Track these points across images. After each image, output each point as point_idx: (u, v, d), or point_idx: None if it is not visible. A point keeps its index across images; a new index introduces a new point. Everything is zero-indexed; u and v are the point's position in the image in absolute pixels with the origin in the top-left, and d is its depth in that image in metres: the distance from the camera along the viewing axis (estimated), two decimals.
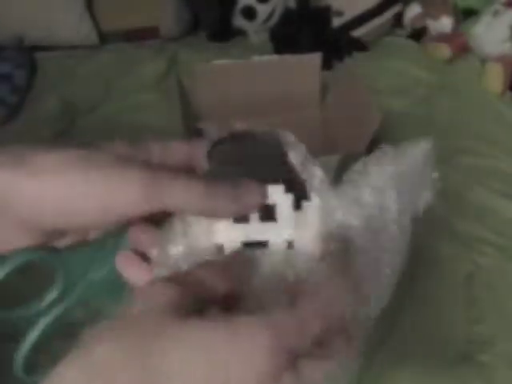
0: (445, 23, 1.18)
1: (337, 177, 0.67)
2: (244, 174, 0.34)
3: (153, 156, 0.34)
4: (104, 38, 1.18)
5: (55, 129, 1.00)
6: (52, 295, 0.33)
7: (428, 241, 0.84)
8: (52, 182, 0.29)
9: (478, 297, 0.77)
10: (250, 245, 0.33)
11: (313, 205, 0.35)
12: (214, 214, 0.32)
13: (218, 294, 0.30)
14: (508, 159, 0.96)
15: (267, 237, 0.34)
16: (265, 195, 0.34)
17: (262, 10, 1.17)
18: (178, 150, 0.35)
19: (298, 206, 0.35)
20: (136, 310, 0.28)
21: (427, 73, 1.13)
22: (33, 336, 0.33)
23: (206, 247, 0.33)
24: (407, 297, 0.77)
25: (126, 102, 1.06)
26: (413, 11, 1.21)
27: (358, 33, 1.17)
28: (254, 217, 0.34)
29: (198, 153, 0.36)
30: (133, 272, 0.34)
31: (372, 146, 0.66)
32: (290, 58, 0.81)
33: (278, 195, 0.34)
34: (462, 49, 1.15)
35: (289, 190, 0.34)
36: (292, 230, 0.34)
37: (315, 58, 0.79)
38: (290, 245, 0.34)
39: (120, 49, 1.18)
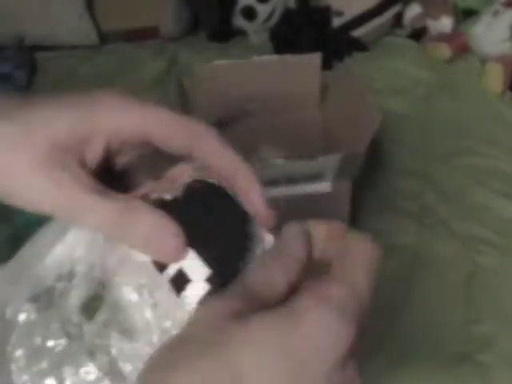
0: (445, 23, 1.18)
1: (337, 177, 0.67)
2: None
3: (91, 153, 0.31)
4: (104, 38, 1.18)
5: None
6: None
7: (428, 241, 0.84)
8: None
9: (477, 297, 0.77)
10: None
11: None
12: (126, 241, 0.30)
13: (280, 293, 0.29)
14: (508, 159, 0.96)
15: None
16: (178, 243, 0.29)
17: (262, 10, 1.17)
18: (132, 137, 0.32)
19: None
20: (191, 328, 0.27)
21: (427, 73, 1.13)
22: None
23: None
24: (407, 297, 0.77)
25: None
26: (413, 11, 1.21)
27: (357, 33, 1.17)
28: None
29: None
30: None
31: (372, 146, 0.66)
32: (290, 58, 0.81)
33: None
34: (462, 49, 1.15)
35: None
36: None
37: (315, 58, 0.79)
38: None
39: (120, 49, 1.18)
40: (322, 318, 0.26)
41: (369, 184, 0.90)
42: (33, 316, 0.30)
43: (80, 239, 0.31)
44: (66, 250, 0.31)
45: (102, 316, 0.30)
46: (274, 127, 0.81)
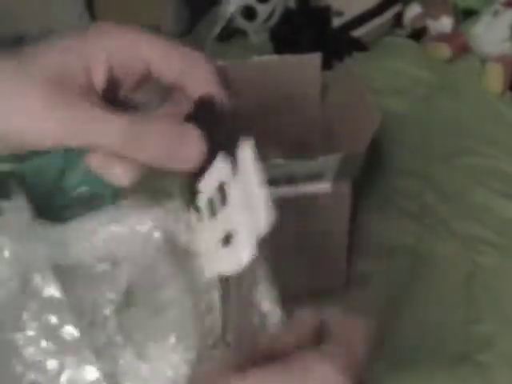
0: (445, 23, 1.18)
1: (337, 177, 0.67)
2: None
3: (96, 76, 0.31)
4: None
5: None
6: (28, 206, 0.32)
7: (428, 241, 0.84)
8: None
9: (477, 297, 0.77)
10: (225, 240, 0.30)
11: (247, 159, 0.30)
12: (141, 155, 0.29)
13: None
14: (508, 159, 0.96)
15: (232, 227, 0.29)
16: (202, 145, 0.29)
17: (262, 10, 1.17)
18: (133, 62, 0.32)
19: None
20: None
21: (427, 73, 1.13)
22: None
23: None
24: (407, 297, 0.77)
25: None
26: (413, 11, 1.21)
27: (358, 33, 1.17)
28: (218, 203, 0.30)
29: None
30: (107, 170, 0.31)
31: (372, 146, 0.66)
32: (290, 58, 0.81)
33: (223, 170, 0.30)
34: (462, 49, 1.15)
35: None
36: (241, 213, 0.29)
37: (315, 58, 0.79)
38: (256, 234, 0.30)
39: None
40: (326, 371, 0.27)
41: (369, 184, 0.90)
42: (58, 295, 0.29)
43: (136, 234, 0.31)
44: (116, 234, 0.31)
45: (128, 318, 0.29)
46: (274, 127, 0.81)
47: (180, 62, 0.32)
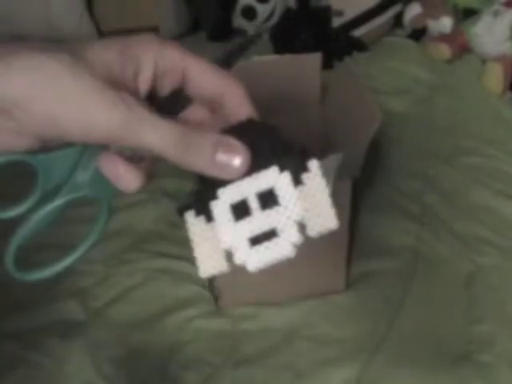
0: (445, 23, 1.18)
1: (337, 177, 0.67)
2: None
3: (142, 77, 0.33)
4: (104, 38, 1.18)
5: None
6: (34, 197, 0.33)
7: (428, 241, 0.84)
8: (43, 82, 0.30)
9: (478, 297, 0.77)
10: (258, 239, 0.31)
11: (313, 174, 0.32)
12: (191, 162, 0.31)
13: None
14: (508, 159, 0.96)
15: (275, 225, 0.31)
16: (248, 160, 0.31)
17: (262, 10, 1.17)
18: (173, 71, 0.34)
19: (298, 180, 0.32)
20: None
21: (427, 73, 1.13)
22: (21, 233, 0.33)
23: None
24: (407, 297, 0.77)
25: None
26: (413, 11, 1.21)
27: (358, 33, 1.17)
28: (255, 207, 0.31)
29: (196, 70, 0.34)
30: (118, 174, 0.33)
31: (372, 146, 0.66)
32: (289, 58, 0.81)
33: (273, 177, 0.32)
34: (462, 49, 1.15)
35: (283, 167, 0.32)
36: (299, 208, 0.31)
37: (315, 58, 0.79)
38: (303, 226, 0.31)
39: None
40: None
41: (369, 184, 0.90)
42: None
43: None
44: None
45: None
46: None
47: (218, 81, 0.34)
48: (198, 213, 0.33)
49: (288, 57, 0.82)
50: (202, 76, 0.34)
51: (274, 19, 1.18)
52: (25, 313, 0.75)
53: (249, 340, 0.72)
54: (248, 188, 0.32)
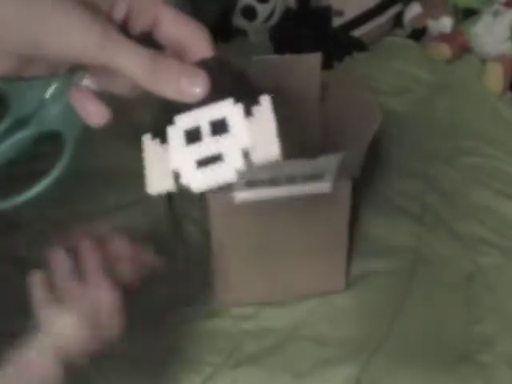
0: (445, 23, 1.18)
1: (337, 177, 0.67)
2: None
3: (117, 11, 0.34)
4: None
5: None
6: (4, 124, 0.34)
7: (428, 241, 0.84)
8: (24, 2, 0.31)
9: (478, 297, 0.77)
10: (205, 162, 0.34)
11: (263, 107, 0.34)
12: (155, 87, 0.34)
13: None
14: (508, 159, 0.96)
15: (222, 150, 0.34)
16: (206, 89, 0.33)
17: (262, 10, 1.17)
18: (145, 14, 0.36)
19: (248, 112, 0.34)
20: None
21: (427, 73, 1.13)
22: None
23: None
24: (407, 297, 0.77)
25: (126, 102, 1.06)
26: (413, 11, 1.21)
27: (357, 33, 1.17)
28: (206, 133, 0.34)
29: (164, 17, 0.36)
30: (88, 109, 0.35)
31: (372, 146, 0.66)
32: (289, 58, 0.81)
33: (227, 108, 0.34)
34: (462, 49, 1.15)
35: (238, 100, 0.34)
36: (247, 137, 0.34)
37: (315, 58, 0.79)
38: (247, 154, 0.34)
39: None
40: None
41: (369, 184, 0.90)
42: None
43: None
44: None
45: None
46: None
47: (186, 28, 0.37)
48: (155, 135, 0.36)
49: (288, 57, 0.82)
50: (172, 23, 0.36)
51: (274, 19, 1.18)
52: (25, 313, 0.74)
53: (249, 340, 0.72)
54: (203, 116, 0.35)
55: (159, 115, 0.37)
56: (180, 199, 0.89)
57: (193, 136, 0.34)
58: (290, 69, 0.80)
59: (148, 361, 0.70)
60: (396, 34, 1.23)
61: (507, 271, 0.80)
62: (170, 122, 0.35)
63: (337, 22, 1.16)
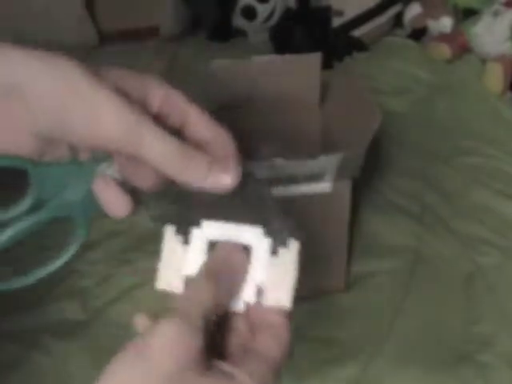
0: (445, 23, 1.18)
1: (337, 177, 0.67)
2: (226, 209, 0.34)
3: (151, 99, 0.34)
4: (104, 38, 1.18)
5: None
6: (23, 206, 0.33)
7: (428, 241, 0.84)
8: (58, 75, 0.31)
9: (477, 297, 0.77)
10: None
11: (290, 253, 0.34)
12: (184, 177, 0.33)
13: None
14: (508, 159, 0.96)
15: None
16: (238, 179, 0.33)
17: (262, 10, 1.17)
18: (177, 105, 0.35)
19: (274, 251, 0.34)
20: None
21: (427, 73, 1.13)
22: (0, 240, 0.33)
23: None
24: (407, 297, 0.77)
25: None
26: (413, 11, 1.21)
27: (357, 33, 1.17)
28: None
29: (195, 115, 0.35)
30: (111, 200, 0.34)
31: (372, 146, 0.66)
32: (290, 58, 0.81)
33: (255, 237, 0.34)
34: (462, 49, 1.15)
35: (268, 233, 0.34)
36: (265, 276, 0.34)
37: (315, 58, 0.79)
38: (260, 291, 0.34)
39: (120, 49, 1.18)
40: None
41: (369, 184, 0.90)
42: None
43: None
44: None
45: None
46: (273, 127, 0.81)
47: (213, 132, 0.35)
48: (178, 231, 0.35)
49: (288, 57, 0.82)
50: (200, 124, 0.35)
51: (274, 19, 1.18)
52: (25, 313, 0.75)
53: None
54: (230, 234, 0.34)
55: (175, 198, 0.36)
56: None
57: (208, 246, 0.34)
58: (290, 69, 0.80)
59: None
60: (396, 34, 1.23)
61: (507, 271, 0.80)
62: (197, 223, 0.35)
63: (337, 22, 1.16)
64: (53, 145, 0.33)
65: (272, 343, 0.34)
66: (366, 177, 0.86)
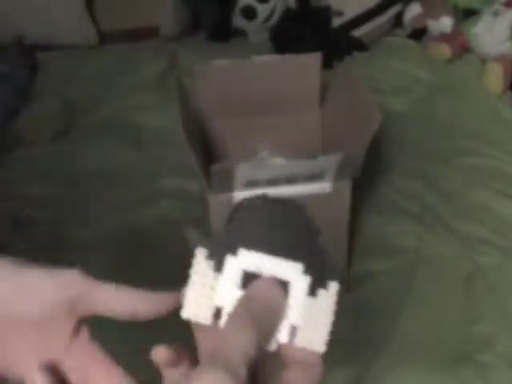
0: (445, 23, 1.18)
1: (337, 177, 0.67)
2: (265, 240, 0.32)
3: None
4: (104, 38, 1.18)
5: (55, 129, 1.00)
6: None
7: (428, 241, 0.84)
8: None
9: (477, 297, 0.77)
10: None
11: (329, 294, 0.32)
12: (134, 316, 0.35)
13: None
14: (508, 159, 0.96)
15: None
16: (178, 301, 0.32)
17: (262, 10, 1.17)
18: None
19: (313, 291, 0.32)
20: None
21: (427, 73, 1.13)
22: None
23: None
24: (407, 297, 0.77)
25: (126, 102, 1.06)
26: (413, 11, 1.21)
27: (357, 33, 1.17)
28: None
29: None
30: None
31: (372, 146, 0.66)
32: (290, 58, 0.81)
33: (294, 274, 0.32)
34: (462, 49, 1.15)
35: (308, 270, 0.32)
36: (301, 317, 0.32)
37: (315, 58, 0.79)
38: (294, 331, 0.32)
39: (120, 49, 1.18)
40: None
41: (369, 184, 0.90)
42: None
43: None
44: None
45: None
46: (274, 127, 0.81)
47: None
48: (211, 256, 0.32)
49: (288, 57, 0.82)
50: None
51: (274, 19, 1.18)
52: None
53: None
54: (267, 266, 0.32)
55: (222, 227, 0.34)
56: (181, 200, 0.89)
57: (249, 280, 0.32)
58: (290, 69, 0.80)
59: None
60: (396, 34, 1.23)
61: (507, 271, 0.80)
62: (233, 251, 0.32)
63: (337, 22, 1.16)
64: None
65: (304, 380, 0.33)
66: (366, 177, 0.86)
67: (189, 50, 1.17)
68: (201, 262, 0.32)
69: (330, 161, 0.65)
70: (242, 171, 0.63)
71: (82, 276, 0.34)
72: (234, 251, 0.32)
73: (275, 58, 0.90)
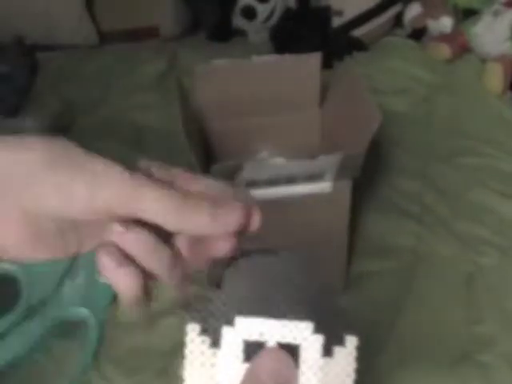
0: (445, 23, 1.18)
1: (337, 177, 0.67)
2: (264, 301, 0.29)
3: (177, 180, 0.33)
4: (104, 38, 1.18)
5: (55, 129, 1.00)
6: (15, 313, 0.30)
7: (428, 241, 0.84)
8: (56, 155, 0.31)
9: (477, 297, 0.77)
10: None
11: (347, 350, 0.28)
12: (188, 229, 0.31)
13: None
14: (508, 159, 0.96)
15: None
16: (245, 216, 0.31)
17: (262, 10, 1.17)
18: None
19: (328, 350, 0.28)
20: None
21: (427, 73, 1.13)
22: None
23: None
24: (407, 297, 0.77)
25: (126, 102, 1.06)
26: (413, 11, 1.21)
27: (357, 33, 1.17)
28: None
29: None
30: (117, 274, 0.31)
31: (372, 146, 0.66)
32: (290, 58, 0.81)
33: (303, 334, 0.27)
34: (462, 49, 1.15)
35: (319, 328, 0.28)
36: (317, 381, 0.28)
37: (315, 58, 0.79)
38: None
39: (120, 49, 1.18)
40: None
41: (369, 184, 0.90)
42: None
43: None
44: None
45: None
46: (274, 127, 0.81)
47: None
48: (204, 331, 0.29)
49: (288, 57, 0.82)
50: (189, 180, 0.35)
51: (274, 19, 1.18)
52: None
53: None
54: (271, 332, 0.28)
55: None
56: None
57: (254, 350, 0.28)
58: (290, 69, 0.80)
59: (148, 360, 0.70)
60: (396, 34, 1.23)
61: (507, 271, 0.80)
62: (229, 321, 0.28)
63: (337, 21, 1.16)
64: (40, 239, 0.31)
65: None
66: (366, 177, 0.86)
67: (189, 49, 1.17)
68: (195, 339, 0.29)
69: (330, 161, 0.65)
70: (242, 171, 0.63)
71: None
72: (229, 321, 0.28)
73: (275, 57, 0.90)
